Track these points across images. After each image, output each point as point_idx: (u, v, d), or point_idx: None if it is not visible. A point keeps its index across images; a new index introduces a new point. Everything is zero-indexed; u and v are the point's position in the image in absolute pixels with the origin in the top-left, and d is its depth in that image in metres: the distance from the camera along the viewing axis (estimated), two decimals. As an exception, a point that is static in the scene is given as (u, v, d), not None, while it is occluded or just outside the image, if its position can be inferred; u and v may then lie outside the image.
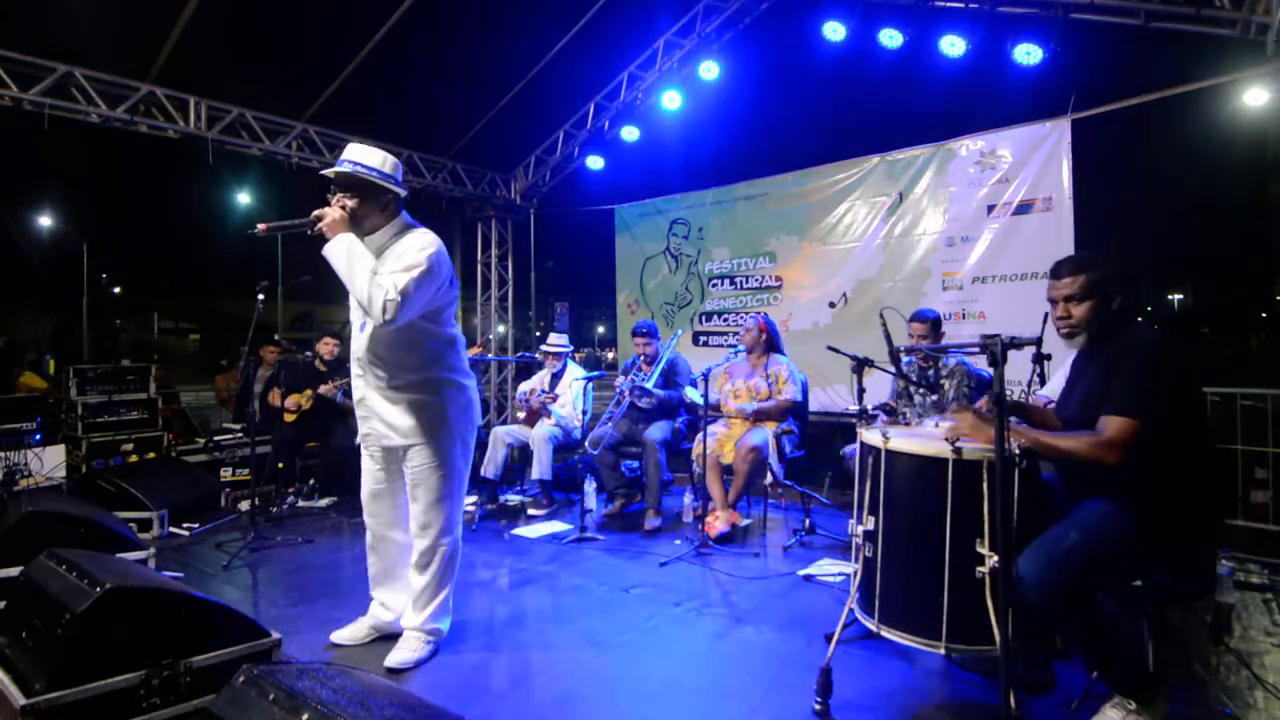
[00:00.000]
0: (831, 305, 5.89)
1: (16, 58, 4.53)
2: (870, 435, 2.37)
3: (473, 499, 5.04)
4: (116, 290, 23.00)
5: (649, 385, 4.67)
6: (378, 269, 2.43)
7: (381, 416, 2.61)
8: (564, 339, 5.53)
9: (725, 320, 6.62)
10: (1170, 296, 31.05)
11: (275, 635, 2.50)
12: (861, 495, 2.40)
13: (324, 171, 2.58)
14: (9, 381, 5.81)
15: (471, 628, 2.96)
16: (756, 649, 2.80)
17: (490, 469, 5.01)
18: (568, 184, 7.55)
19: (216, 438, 5.70)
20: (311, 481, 5.38)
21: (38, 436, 4.82)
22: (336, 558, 3.98)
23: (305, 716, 1.46)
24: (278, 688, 1.57)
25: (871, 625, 2.30)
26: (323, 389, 5.34)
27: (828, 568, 3.65)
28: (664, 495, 4.74)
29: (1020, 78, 4.88)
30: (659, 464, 4.48)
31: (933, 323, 3.92)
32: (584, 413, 4.88)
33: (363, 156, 2.52)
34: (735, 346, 4.77)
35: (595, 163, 7.02)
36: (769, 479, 4.27)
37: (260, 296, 4.00)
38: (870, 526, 2.32)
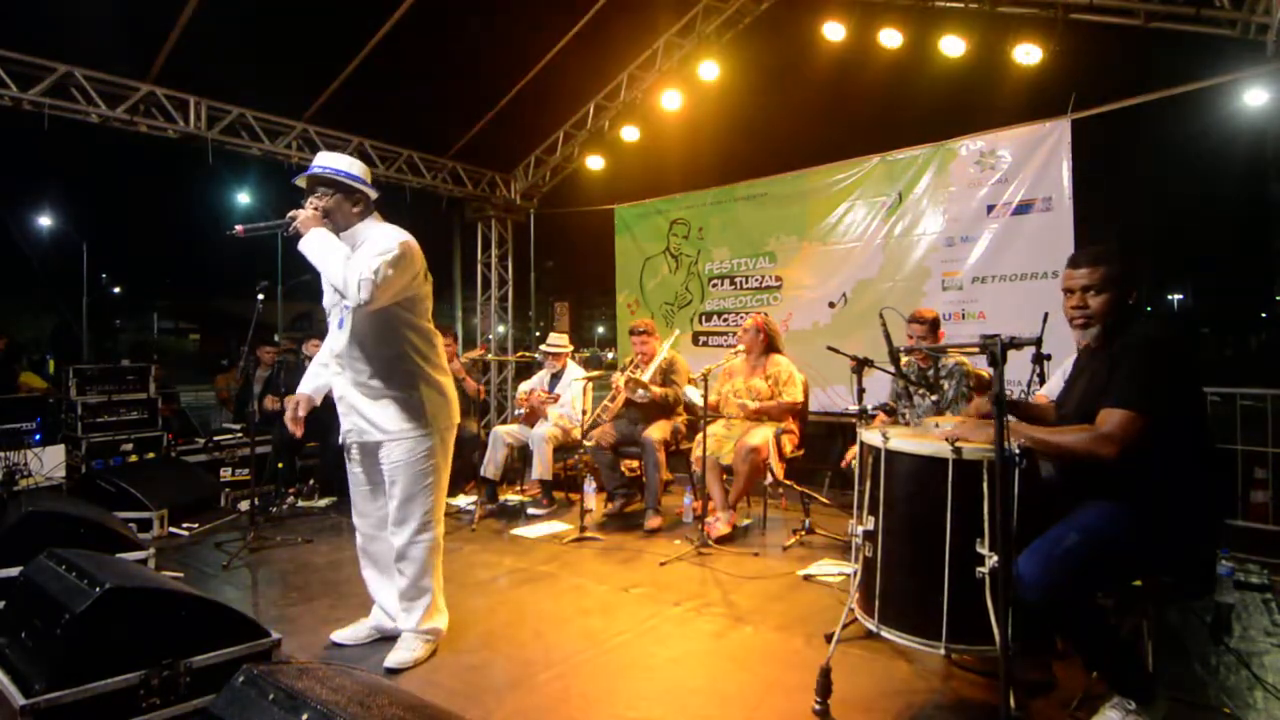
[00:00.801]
0: (831, 305, 5.89)
1: (16, 57, 4.53)
2: (870, 435, 2.38)
3: (473, 499, 5.05)
4: (116, 290, 23.00)
5: (647, 379, 4.66)
6: (351, 257, 2.47)
7: (360, 412, 2.64)
8: (564, 339, 5.53)
9: (725, 320, 6.62)
10: (1170, 297, 31.07)
11: (275, 635, 2.50)
12: (861, 495, 2.41)
13: (295, 179, 2.64)
14: (9, 381, 5.80)
15: (471, 628, 2.96)
16: (756, 649, 2.80)
17: (490, 469, 5.01)
18: (568, 184, 7.55)
19: (216, 438, 5.71)
20: (311, 481, 5.38)
21: (38, 436, 4.82)
22: (336, 557, 3.98)
23: (305, 716, 1.46)
24: (278, 688, 1.57)
25: (871, 625, 2.30)
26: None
27: (827, 567, 3.65)
28: (664, 495, 4.75)
29: (1020, 78, 4.88)
30: (658, 464, 4.49)
31: (931, 323, 3.92)
32: (584, 412, 4.89)
33: (332, 161, 2.62)
34: (735, 346, 4.77)
35: (595, 163, 7.03)
36: (769, 479, 4.27)
37: (260, 296, 4.01)
38: (870, 526, 2.32)
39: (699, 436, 4.26)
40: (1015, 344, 1.84)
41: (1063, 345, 2.59)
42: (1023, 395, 3.34)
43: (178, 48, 4.82)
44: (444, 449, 2.72)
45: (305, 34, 5.06)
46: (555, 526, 4.61)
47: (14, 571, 2.76)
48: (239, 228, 2.61)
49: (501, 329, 8.01)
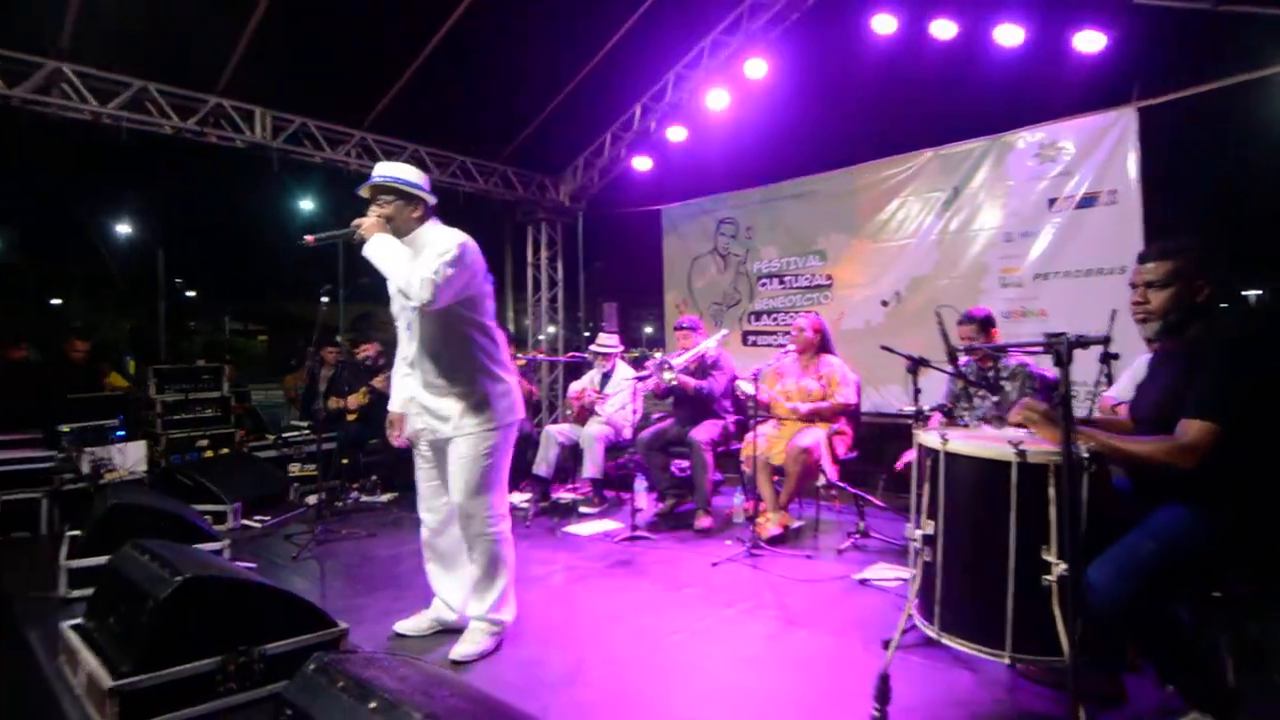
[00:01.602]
0: (884, 304, 5.77)
1: (97, 74, 4.83)
2: (928, 437, 2.33)
3: (526, 496, 5.13)
4: (190, 294, 24.11)
5: (676, 363, 4.60)
6: (413, 260, 2.57)
7: (429, 409, 2.74)
8: (614, 339, 5.57)
9: (775, 320, 6.56)
10: (1247, 293, 29.33)
11: (343, 625, 2.60)
12: (919, 498, 2.36)
13: (358, 189, 2.75)
14: (96, 380, 6.15)
15: (527, 623, 3.00)
16: (811, 653, 2.77)
17: (543, 467, 5.09)
18: (615, 185, 7.58)
19: (285, 435, 5.96)
20: (374, 477, 5.56)
21: (121, 433, 5.10)
22: (398, 551, 4.10)
23: (373, 705, 1.51)
24: (347, 676, 1.63)
25: (931, 632, 2.25)
26: (375, 382, 5.59)
27: (884, 572, 3.58)
28: (714, 496, 4.73)
29: (1081, 66, 4.69)
30: (705, 464, 4.47)
31: (981, 322, 3.77)
32: (634, 412, 4.91)
33: (392, 170, 2.73)
34: (785, 346, 4.71)
35: (642, 164, 7.04)
36: (822, 481, 4.21)
37: (324, 299, 4.16)
38: (929, 530, 2.27)
39: (749, 436, 4.24)
40: (1082, 343, 1.78)
41: (1133, 344, 2.48)
42: (1089, 397, 3.22)
43: (243, 60, 5.04)
44: (506, 445, 2.80)
45: (363, 43, 5.23)
46: (606, 525, 4.65)
47: (102, 560, 2.94)
48: (309, 237, 2.73)
49: (551, 329, 8.12)
